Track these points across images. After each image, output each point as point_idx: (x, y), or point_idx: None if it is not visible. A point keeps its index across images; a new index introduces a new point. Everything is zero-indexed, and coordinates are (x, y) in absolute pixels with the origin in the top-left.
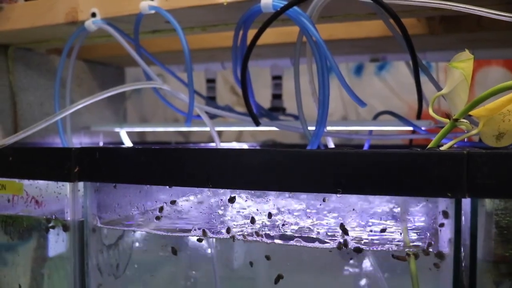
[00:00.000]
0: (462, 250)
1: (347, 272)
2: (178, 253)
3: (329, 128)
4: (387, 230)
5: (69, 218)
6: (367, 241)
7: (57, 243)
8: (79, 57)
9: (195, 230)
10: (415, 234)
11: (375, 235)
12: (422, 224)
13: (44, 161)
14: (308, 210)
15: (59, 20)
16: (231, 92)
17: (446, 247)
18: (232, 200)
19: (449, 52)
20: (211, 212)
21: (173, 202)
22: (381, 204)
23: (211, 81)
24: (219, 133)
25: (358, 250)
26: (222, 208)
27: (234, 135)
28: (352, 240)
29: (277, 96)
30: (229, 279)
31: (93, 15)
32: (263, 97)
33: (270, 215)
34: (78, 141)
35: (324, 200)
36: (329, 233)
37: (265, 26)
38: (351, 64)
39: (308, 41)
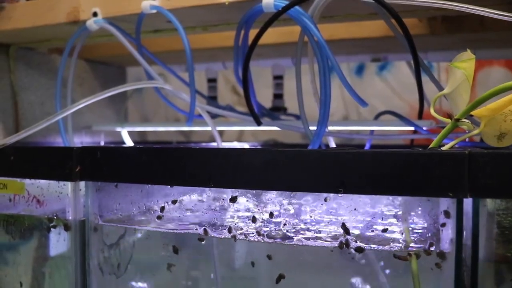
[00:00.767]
0: (463, 250)
1: (349, 271)
2: (179, 252)
3: (330, 128)
4: (388, 230)
5: (70, 218)
6: (368, 240)
7: (59, 242)
8: (81, 57)
9: (196, 229)
10: (416, 234)
11: (377, 235)
12: (424, 224)
13: (45, 160)
14: (309, 210)
15: (61, 20)
16: (232, 92)
17: (447, 247)
18: (233, 199)
19: (451, 52)
20: (212, 211)
21: (175, 202)
22: (383, 204)
23: (212, 81)
24: (220, 132)
25: (359, 250)
26: (223, 207)
27: (235, 135)
28: (353, 239)
29: (278, 96)
30: (230, 279)
31: (95, 14)
32: (264, 97)
33: (271, 214)
34: (80, 140)
35: (325, 200)
36: (330, 233)
37: (266, 26)
38: (352, 64)
39: (310, 41)
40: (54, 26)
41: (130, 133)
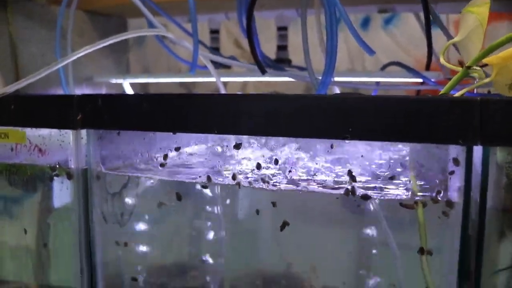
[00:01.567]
0: (471, 199)
1: (354, 219)
2: (182, 200)
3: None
4: (395, 178)
5: (72, 166)
6: (375, 188)
7: (62, 191)
8: (80, 7)
9: (200, 176)
10: (424, 182)
11: (384, 183)
12: (432, 172)
13: (46, 108)
14: (315, 157)
15: None
16: (234, 45)
17: (455, 196)
18: (237, 146)
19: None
20: (216, 158)
21: (178, 149)
22: (390, 151)
23: (214, 32)
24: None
25: (365, 197)
26: (227, 155)
27: (238, 87)
28: (359, 187)
29: (282, 48)
30: (234, 226)
31: None
32: (267, 50)
33: (276, 161)
34: (81, 92)
35: (332, 147)
36: (336, 180)
37: None
38: (358, 16)
39: None
40: None
41: (132, 86)
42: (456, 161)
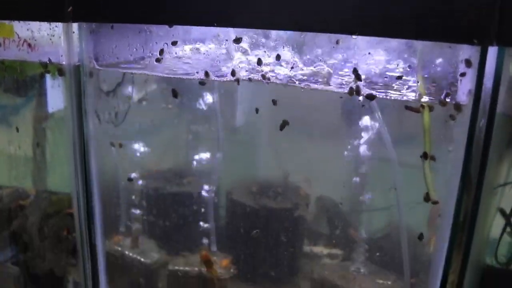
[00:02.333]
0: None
1: (356, 119)
2: (179, 98)
3: None
4: (403, 78)
5: (64, 62)
6: (380, 88)
7: (53, 88)
8: None
9: (197, 72)
10: (433, 83)
11: (390, 82)
12: (442, 73)
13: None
14: (320, 53)
15: None
16: None
17: (464, 99)
18: (238, 41)
19: None
20: (215, 54)
21: (175, 43)
22: (399, 49)
23: None
24: None
25: (370, 97)
26: (227, 49)
27: None
28: (365, 86)
29: None
30: (232, 127)
31: None
32: None
33: (278, 57)
34: None
35: (337, 42)
36: (341, 78)
37: None
38: None
39: None
40: None
41: None
42: (468, 63)
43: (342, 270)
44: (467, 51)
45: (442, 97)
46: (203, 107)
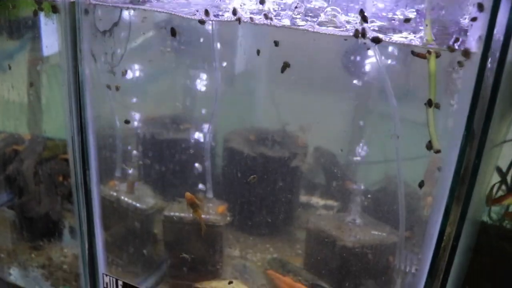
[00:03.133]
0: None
1: (360, 63)
2: (177, 37)
3: None
4: (410, 22)
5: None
6: (387, 31)
7: (47, 26)
8: None
9: (197, 10)
10: (442, 28)
11: (397, 26)
12: (451, 17)
13: None
14: None
15: None
16: None
17: (474, 45)
18: None
19: None
20: None
21: None
22: None
23: None
24: None
25: (376, 40)
26: None
27: None
28: (371, 28)
29: None
30: (232, 67)
31: None
32: None
33: None
34: None
35: None
36: (346, 20)
37: None
38: None
39: None
40: None
41: None
42: (480, 7)
43: (337, 221)
44: None
45: (451, 42)
46: (203, 47)
